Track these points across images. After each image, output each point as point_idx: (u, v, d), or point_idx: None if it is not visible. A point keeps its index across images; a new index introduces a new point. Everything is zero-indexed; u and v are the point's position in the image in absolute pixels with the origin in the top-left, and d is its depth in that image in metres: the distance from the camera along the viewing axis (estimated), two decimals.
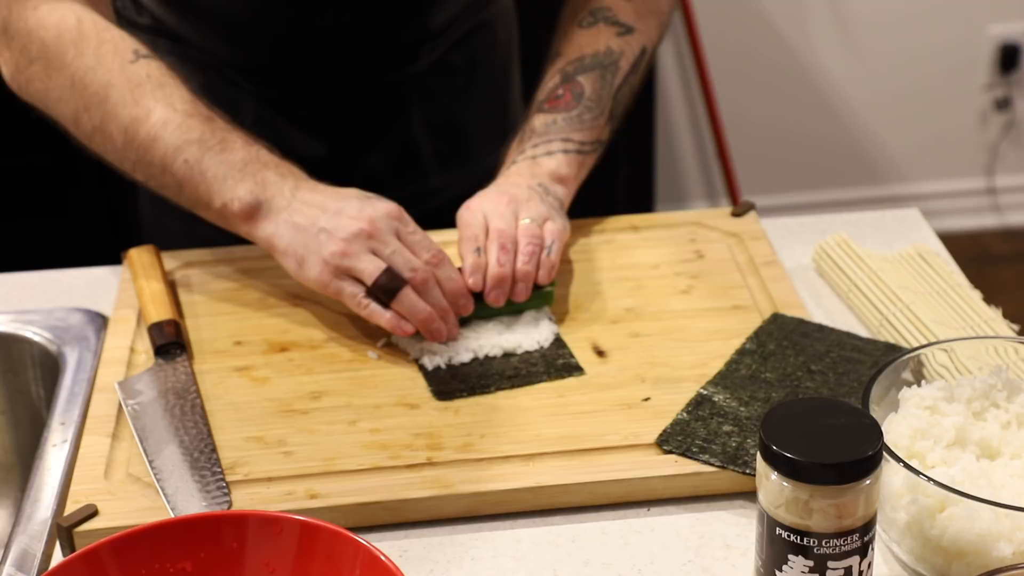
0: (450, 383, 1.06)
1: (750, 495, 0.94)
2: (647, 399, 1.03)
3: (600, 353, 1.10)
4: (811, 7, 2.90)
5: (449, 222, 1.19)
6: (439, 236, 1.20)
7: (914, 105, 3.01)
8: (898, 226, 1.31)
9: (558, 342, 1.11)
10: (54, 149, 2.07)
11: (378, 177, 1.29)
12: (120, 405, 1.05)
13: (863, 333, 1.13)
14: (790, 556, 0.78)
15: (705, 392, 1.03)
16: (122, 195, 2.05)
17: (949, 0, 2.92)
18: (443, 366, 1.08)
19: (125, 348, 1.12)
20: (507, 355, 1.10)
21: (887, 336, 1.10)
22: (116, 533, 0.81)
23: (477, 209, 1.15)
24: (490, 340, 1.11)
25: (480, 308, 1.12)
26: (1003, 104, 3.04)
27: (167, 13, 1.27)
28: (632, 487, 0.95)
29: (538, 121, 1.22)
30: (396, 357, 1.10)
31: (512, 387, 1.06)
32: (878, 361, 1.05)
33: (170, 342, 1.10)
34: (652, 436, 0.99)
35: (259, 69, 1.30)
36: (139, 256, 1.20)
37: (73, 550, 0.92)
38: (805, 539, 0.77)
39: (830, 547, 0.77)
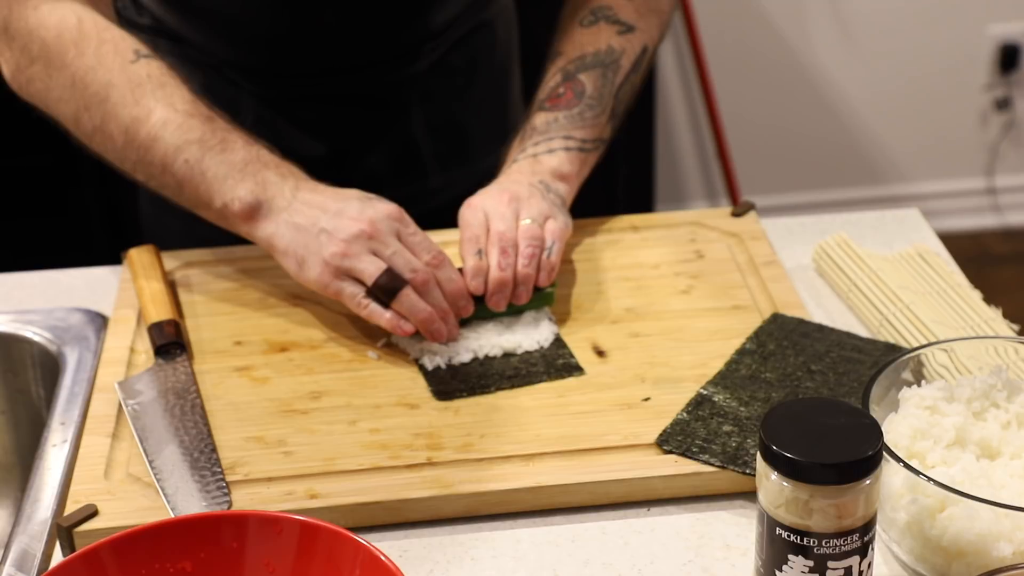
0: (450, 383, 1.06)
1: (750, 495, 0.94)
2: (647, 399, 1.04)
3: (600, 353, 1.10)
4: (811, 7, 2.90)
5: (449, 222, 1.19)
6: (439, 236, 1.20)
7: (914, 105, 3.01)
8: (898, 226, 1.31)
9: (558, 342, 1.11)
10: (54, 149, 2.07)
11: (378, 177, 1.29)
12: (120, 405, 1.05)
13: (863, 333, 1.13)
14: (790, 556, 0.78)
15: (705, 392, 1.03)
16: (122, 195, 2.05)
17: (949, 0, 2.92)
18: (443, 366, 1.08)
19: (125, 348, 1.12)
20: (507, 355, 1.10)
21: (887, 336, 1.10)
22: (116, 533, 0.81)
23: (478, 208, 1.15)
24: (490, 340, 1.11)
25: (480, 309, 1.12)
26: (1003, 104, 3.04)
27: (167, 13, 1.27)
28: (632, 487, 0.95)
29: (539, 119, 1.22)
30: (396, 357, 1.10)
31: (512, 387, 1.06)
32: (878, 361, 1.05)
33: (170, 342, 1.10)
34: (652, 436, 0.99)
35: (259, 69, 1.30)
36: (139, 256, 1.20)
37: (73, 550, 0.92)
38: (805, 539, 0.77)
39: (830, 547, 0.77)
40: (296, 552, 0.81)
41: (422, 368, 1.08)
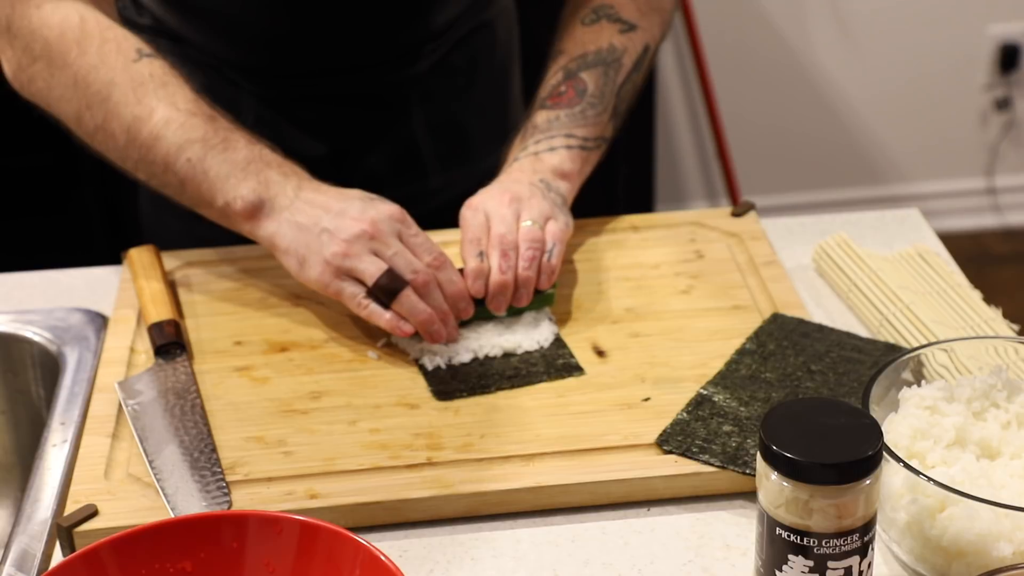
0: (450, 383, 1.06)
1: (750, 495, 0.94)
2: (647, 399, 1.04)
3: (600, 353, 1.10)
4: (811, 7, 2.90)
5: (450, 222, 1.19)
6: (439, 236, 1.20)
7: (914, 105, 3.01)
8: (898, 226, 1.31)
9: (558, 342, 1.11)
10: (55, 148, 2.07)
11: (379, 177, 1.29)
12: (120, 405, 1.05)
13: (863, 333, 1.13)
14: (790, 556, 0.78)
15: (705, 392, 1.03)
16: (122, 195, 2.05)
17: (949, 0, 2.92)
18: (443, 366, 1.08)
19: (125, 348, 1.12)
20: (507, 355, 1.10)
21: (887, 336, 1.10)
22: (116, 533, 0.81)
23: (479, 208, 1.14)
24: (490, 340, 1.11)
25: (480, 310, 1.12)
26: (1003, 104, 3.04)
27: (168, 13, 1.27)
28: (632, 487, 0.95)
29: (540, 117, 1.22)
30: (396, 357, 1.10)
31: (512, 387, 1.06)
32: (878, 361, 1.05)
33: (170, 342, 1.10)
34: (652, 436, 0.99)
35: (260, 69, 1.30)
36: (139, 256, 1.20)
37: (73, 550, 0.92)
38: (805, 539, 0.77)
39: (830, 547, 0.77)
40: (296, 552, 0.81)
41: (422, 368, 1.08)
